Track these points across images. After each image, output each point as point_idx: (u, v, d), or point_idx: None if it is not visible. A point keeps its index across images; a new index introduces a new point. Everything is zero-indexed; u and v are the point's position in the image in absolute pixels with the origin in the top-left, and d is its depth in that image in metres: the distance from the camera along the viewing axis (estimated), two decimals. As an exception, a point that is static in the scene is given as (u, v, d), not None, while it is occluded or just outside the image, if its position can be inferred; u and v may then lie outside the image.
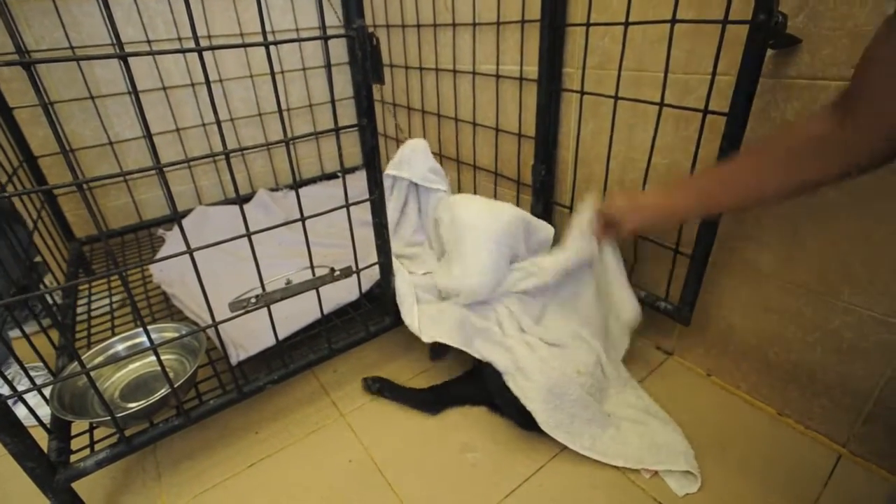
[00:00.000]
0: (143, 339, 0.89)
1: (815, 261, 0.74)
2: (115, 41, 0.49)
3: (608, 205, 0.80)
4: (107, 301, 1.18)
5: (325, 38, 0.63)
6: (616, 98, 0.87)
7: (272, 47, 0.59)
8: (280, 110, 0.63)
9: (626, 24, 0.80)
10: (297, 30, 1.59)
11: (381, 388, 0.94)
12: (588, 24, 0.88)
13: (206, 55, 0.52)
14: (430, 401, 0.91)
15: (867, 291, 0.70)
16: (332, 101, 0.68)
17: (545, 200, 1.10)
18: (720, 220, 0.78)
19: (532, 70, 1.04)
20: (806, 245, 0.74)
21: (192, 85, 1.46)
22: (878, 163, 0.48)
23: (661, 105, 0.79)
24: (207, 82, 0.56)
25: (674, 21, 0.73)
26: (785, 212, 0.75)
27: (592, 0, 0.87)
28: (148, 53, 0.52)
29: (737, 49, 0.68)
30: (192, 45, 0.54)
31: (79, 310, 1.14)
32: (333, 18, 1.60)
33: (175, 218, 0.62)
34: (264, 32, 0.58)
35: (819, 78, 0.66)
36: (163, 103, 1.43)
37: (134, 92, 0.51)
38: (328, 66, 0.64)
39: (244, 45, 0.57)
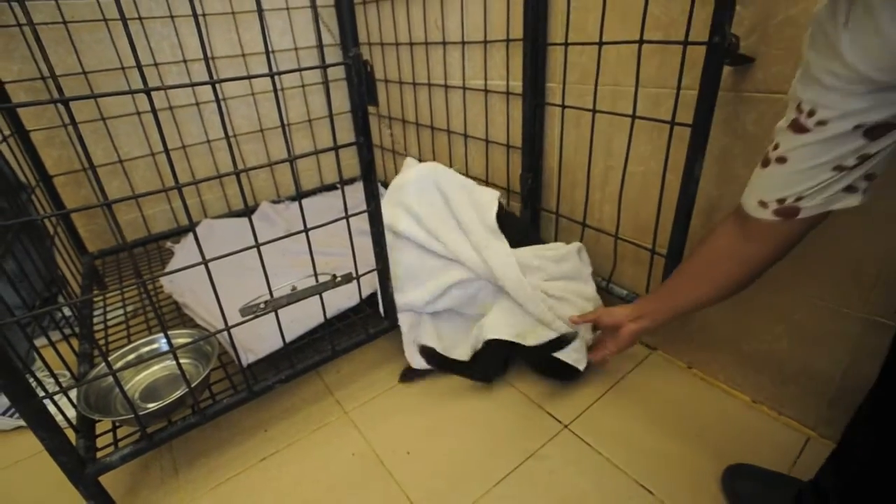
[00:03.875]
0: (158, 345, 0.95)
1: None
2: (139, 74, 0.56)
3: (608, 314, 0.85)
4: (121, 311, 1.24)
5: (324, 67, 0.70)
6: (594, 111, 0.94)
7: (273, 60, 0.65)
8: (284, 133, 0.69)
9: (600, 43, 0.87)
10: (296, 49, 1.67)
11: (437, 362, 1.00)
12: (566, 44, 0.95)
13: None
14: (480, 370, 0.97)
15: (824, 284, 0.76)
16: (332, 126, 0.75)
17: (533, 207, 1.16)
18: (690, 221, 0.85)
19: (518, 85, 1.10)
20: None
21: (197, 104, 1.53)
22: (774, 262, 0.61)
23: (633, 117, 0.86)
24: (220, 112, 0.63)
25: (641, 42, 0.80)
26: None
27: (570, 21, 0.94)
28: (167, 88, 0.59)
29: (699, 66, 0.75)
30: (197, 65, 0.61)
31: (95, 319, 1.20)
32: (328, 37, 1.67)
33: (190, 229, 0.68)
34: (269, 62, 0.65)
35: (773, 91, 0.73)
36: (169, 122, 1.51)
37: (157, 123, 0.58)
38: (327, 94, 0.71)
39: (251, 77, 0.63)
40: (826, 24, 0.44)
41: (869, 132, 0.46)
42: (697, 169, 0.78)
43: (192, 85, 0.61)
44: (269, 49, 0.64)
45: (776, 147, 0.52)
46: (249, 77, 0.62)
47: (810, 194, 0.51)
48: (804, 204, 0.52)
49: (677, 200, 0.83)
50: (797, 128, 0.49)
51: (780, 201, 0.53)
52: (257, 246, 0.73)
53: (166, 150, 0.60)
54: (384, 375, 1.07)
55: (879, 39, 0.40)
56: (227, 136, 0.65)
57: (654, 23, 0.83)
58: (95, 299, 1.31)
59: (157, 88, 0.57)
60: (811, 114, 0.47)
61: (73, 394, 0.84)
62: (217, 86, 0.60)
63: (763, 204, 0.55)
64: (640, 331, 0.79)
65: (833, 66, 0.44)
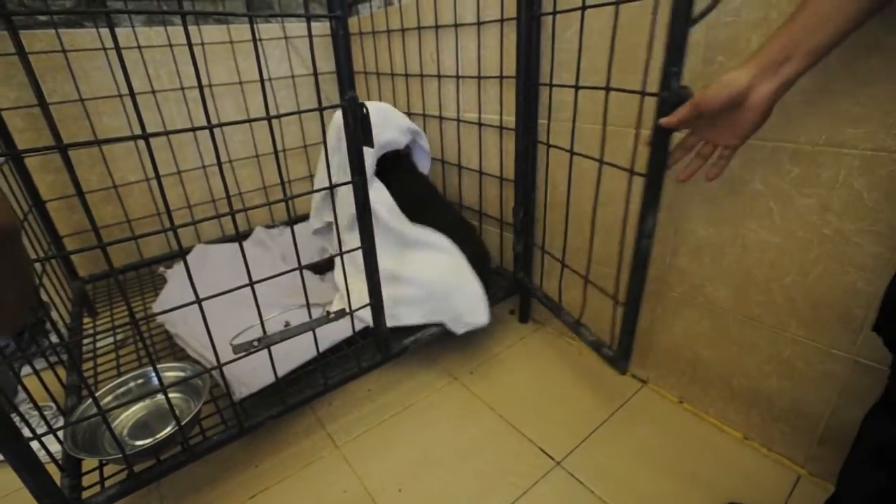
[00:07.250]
0: (149, 379, 0.94)
1: (764, 296, 0.82)
2: (138, 119, 0.57)
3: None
4: (110, 339, 1.23)
5: (321, 110, 0.71)
6: (571, 153, 0.95)
7: (270, 88, 0.67)
8: (282, 178, 0.70)
9: (577, 87, 0.89)
10: (292, 76, 1.69)
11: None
12: (551, 85, 0.99)
13: (208, 102, 0.60)
14: None
15: (811, 325, 0.78)
16: (329, 173, 0.76)
17: (525, 241, 1.18)
18: (646, 273, 0.80)
19: (511, 120, 1.13)
20: (756, 281, 0.82)
21: (194, 131, 1.54)
22: None
23: (601, 162, 0.87)
24: (216, 152, 0.64)
25: (608, 89, 0.81)
26: (737, 253, 0.83)
27: (554, 63, 0.98)
28: (165, 133, 0.60)
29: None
30: (195, 91, 0.62)
31: (83, 347, 1.19)
32: (325, 66, 1.70)
33: (180, 255, 0.68)
34: (266, 108, 0.66)
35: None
36: (165, 148, 1.51)
37: (153, 165, 0.59)
38: (324, 137, 0.72)
39: (250, 121, 0.65)
40: None
41: None
42: (650, 223, 0.74)
43: (193, 130, 0.62)
44: (267, 86, 0.65)
45: None
46: (249, 121, 0.63)
47: None
48: None
49: (632, 255, 0.79)
50: None
51: None
52: (251, 284, 0.74)
53: (162, 191, 0.61)
54: (376, 408, 1.06)
55: None
56: (223, 180, 0.66)
57: (620, 69, 0.85)
58: (84, 325, 1.30)
59: (155, 134, 0.58)
60: None
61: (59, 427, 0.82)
62: (209, 105, 0.61)
63: None
64: (783, 87, 0.53)
65: None
